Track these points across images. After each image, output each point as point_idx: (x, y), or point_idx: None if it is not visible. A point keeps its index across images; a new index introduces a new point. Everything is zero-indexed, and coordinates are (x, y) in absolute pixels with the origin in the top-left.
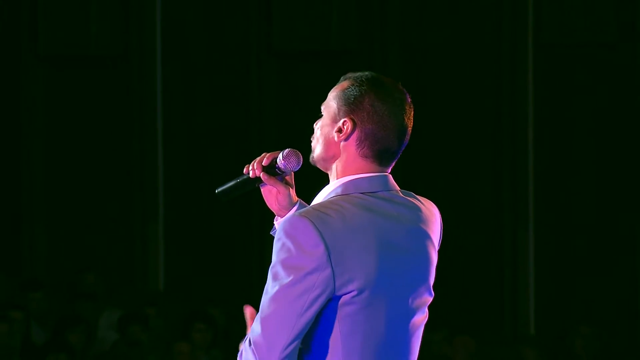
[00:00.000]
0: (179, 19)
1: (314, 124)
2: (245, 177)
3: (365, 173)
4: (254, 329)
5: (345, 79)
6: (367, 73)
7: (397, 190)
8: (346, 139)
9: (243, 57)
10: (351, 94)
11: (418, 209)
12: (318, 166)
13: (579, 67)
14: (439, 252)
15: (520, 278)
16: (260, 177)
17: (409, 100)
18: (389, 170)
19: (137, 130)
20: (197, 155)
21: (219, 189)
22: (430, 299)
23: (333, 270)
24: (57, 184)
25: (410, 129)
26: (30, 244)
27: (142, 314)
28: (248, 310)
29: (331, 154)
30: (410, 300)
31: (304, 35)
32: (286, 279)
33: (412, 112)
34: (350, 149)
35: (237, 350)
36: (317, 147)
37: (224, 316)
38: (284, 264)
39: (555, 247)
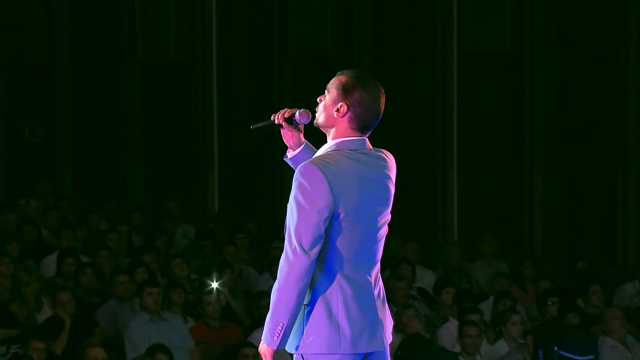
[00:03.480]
0: (227, 38)
1: (318, 99)
2: (272, 122)
3: (351, 137)
4: (291, 240)
5: (342, 74)
6: (357, 71)
7: (371, 149)
8: (342, 117)
9: (268, 61)
10: (347, 86)
11: (384, 160)
12: (320, 128)
13: (485, 69)
14: (396, 184)
15: (448, 202)
16: (282, 124)
17: (383, 92)
18: (366, 136)
19: (200, 110)
20: (238, 126)
21: (253, 126)
22: (389, 218)
23: (334, 198)
24: (149, 144)
25: (382, 111)
26: (150, 183)
27: (211, 231)
28: None
29: (330, 124)
30: (378, 219)
31: (309, 47)
32: (306, 205)
33: (384, 99)
34: (343, 123)
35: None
36: (320, 117)
37: (256, 228)
38: (303, 195)
39: (471, 181)
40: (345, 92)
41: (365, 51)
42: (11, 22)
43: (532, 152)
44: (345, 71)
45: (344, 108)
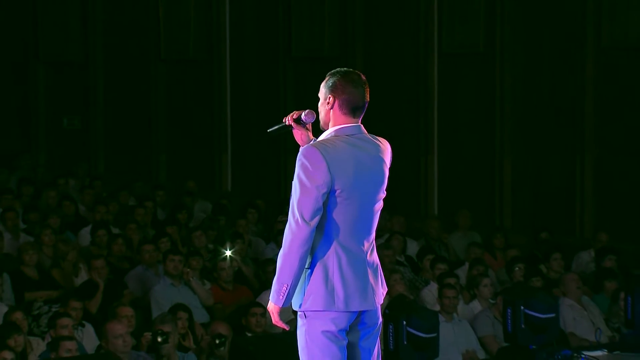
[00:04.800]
0: (239, 39)
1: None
2: (283, 124)
3: (347, 124)
4: (294, 212)
5: (326, 76)
6: (336, 69)
7: (366, 134)
8: (332, 107)
9: (274, 60)
10: (329, 82)
11: (377, 145)
12: (325, 128)
13: (462, 67)
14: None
15: (429, 181)
16: (292, 124)
17: (363, 77)
18: (361, 119)
19: (215, 102)
20: (249, 117)
21: (269, 130)
22: (384, 195)
23: (331, 176)
24: (171, 131)
25: (367, 93)
26: (172, 165)
27: (225, 206)
28: None
29: (328, 119)
30: (372, 196)
31: (309, 47)
32: (307, 182)
33: (367, 84)
34: (336, 112)
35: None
36: (321, 119)
37: (264, 205)
38: (305, 173)
39: (449, 164)
40: (328, 86)
41: (359, 50)
42: (52, 25)
43: (502, 138)
44: (327, 73)
45: (331, 99)
